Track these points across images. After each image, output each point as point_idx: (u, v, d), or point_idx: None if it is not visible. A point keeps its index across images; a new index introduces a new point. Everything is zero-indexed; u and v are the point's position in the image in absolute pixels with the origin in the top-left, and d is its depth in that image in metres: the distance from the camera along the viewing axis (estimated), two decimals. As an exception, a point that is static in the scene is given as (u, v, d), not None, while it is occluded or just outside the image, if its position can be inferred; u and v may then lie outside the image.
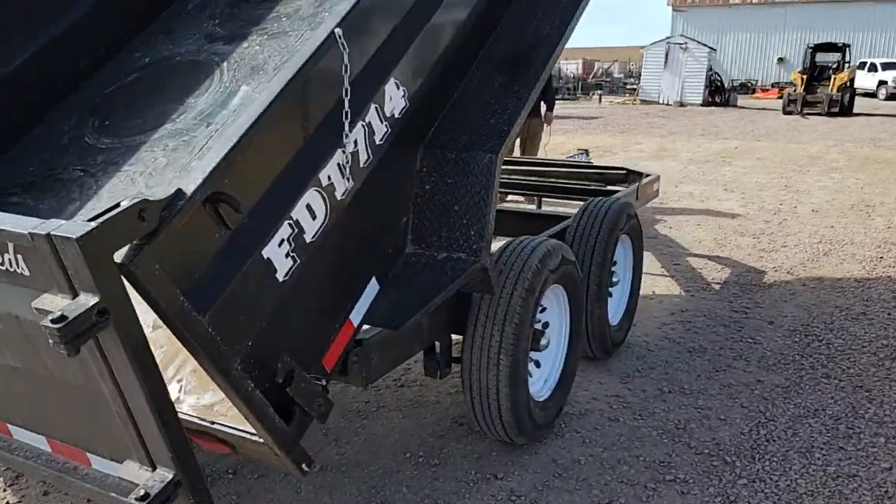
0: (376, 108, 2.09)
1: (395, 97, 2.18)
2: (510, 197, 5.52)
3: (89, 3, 2.61)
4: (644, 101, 24.50)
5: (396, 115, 2.19)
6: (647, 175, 5.03)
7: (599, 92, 26.52)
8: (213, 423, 1.87)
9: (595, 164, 5.57)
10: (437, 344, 2.67)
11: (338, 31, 1.85)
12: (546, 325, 2.98)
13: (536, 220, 4.20)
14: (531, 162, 5.84)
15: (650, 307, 4.46)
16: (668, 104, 23.56)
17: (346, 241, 2.04)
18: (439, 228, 2.38)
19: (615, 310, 3.80)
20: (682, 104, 23.12)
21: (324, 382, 1.90)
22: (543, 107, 7.19)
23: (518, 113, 2.54)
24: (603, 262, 3.40)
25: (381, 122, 2.12)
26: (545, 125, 7.21)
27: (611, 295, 3.77)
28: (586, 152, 6.62)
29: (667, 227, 6.53)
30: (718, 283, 4.92)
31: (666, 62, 23.93)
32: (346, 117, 1.91)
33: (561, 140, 13.85)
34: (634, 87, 26.99)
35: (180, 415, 1.65)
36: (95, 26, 2.61)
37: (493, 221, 2.37)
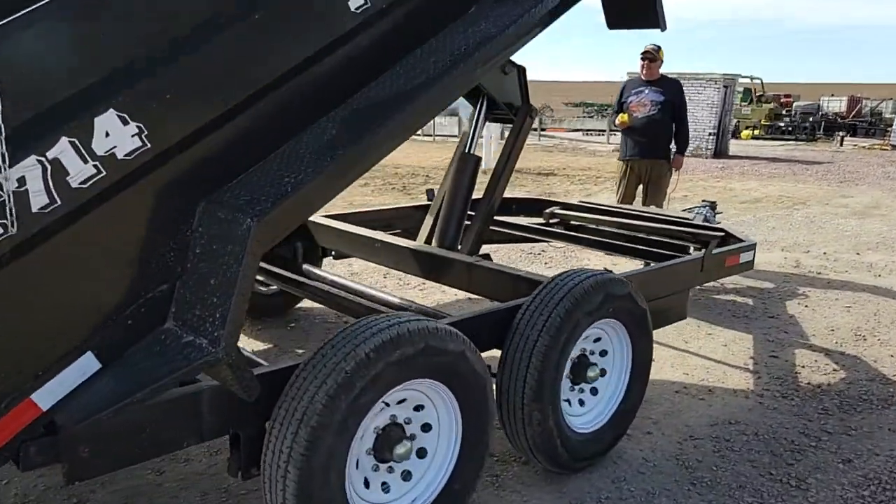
0: (72, 142, 1.69)
1: (115, 133, 1.75)
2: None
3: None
4: (898, 147, 21.10)
5: (120, 157, 1.76)
6: (738, 241, 4.04)
7: (841, 134, 23.26)
8: None
9: (693, 222, 4.61)
10: (241, 435, 2.18)
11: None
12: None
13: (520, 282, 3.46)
14: (615, 211, 5.01)
15: (689, 410, 3.49)
16: (930, 152, 20.04)
17: (9, 304, 1.67)
18: (195, 304, 1.91)
19: (595, 415, 2.98)
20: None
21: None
22: (673, 147, 6.26)
23: (319, 173, 1.99)
24: (548, 352, 2.65)
25: (85, 162, 1.71)
26: (673, 170, 6.26)
27: (595, 392, 2.99)
28: (712, 206, 5.56)
29: (802, 304, 5.26)
30: (812, 392, 3.75)
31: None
32: (-6, 147, 1.54)
33: (752, 186, 12.29)
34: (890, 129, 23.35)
35: None
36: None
37: (245, 305, 1.85)
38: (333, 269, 4.76)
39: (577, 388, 2.92)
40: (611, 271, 3.16)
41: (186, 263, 1.95)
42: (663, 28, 3.26)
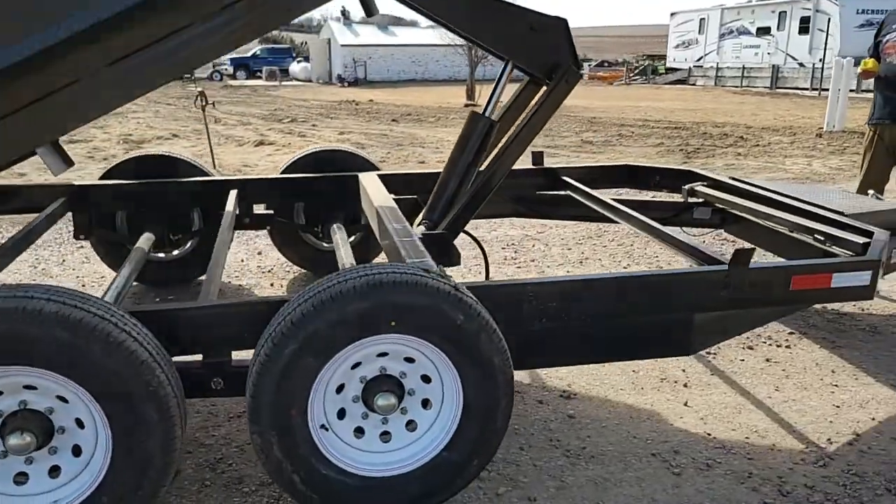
0: None
1: None
2: None
3: None
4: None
5: None
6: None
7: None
8: None
9: (844, 212, 3.61)
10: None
11: None
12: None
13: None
14: (769, 197, 3.92)
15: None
16: None
17: None
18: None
19: (403, 456, 2.31)
20: None
21: None
22: None
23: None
24: (267, 364, 2.09)
25: None
26: None
27: (412, 427, 2.31)
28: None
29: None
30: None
31: None
32: None
33: None
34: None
35: None
36: None
37: None
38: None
39: (376, 416, 2.28)
40: (443, 272, 2.36)
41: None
42: None
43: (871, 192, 4.40)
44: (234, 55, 40.07)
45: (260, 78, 38.60)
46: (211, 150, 9.01)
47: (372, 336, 2.15)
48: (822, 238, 3.36)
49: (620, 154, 11.01)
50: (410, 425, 2.33)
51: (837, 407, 3.16)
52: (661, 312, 2.71)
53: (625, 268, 5.00)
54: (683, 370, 3.47)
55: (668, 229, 3.36)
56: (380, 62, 37.62)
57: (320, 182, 4.41)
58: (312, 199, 4.44)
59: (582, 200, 4.32)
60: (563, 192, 4.62)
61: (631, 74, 38.46)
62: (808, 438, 2.91)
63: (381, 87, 33.32)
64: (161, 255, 4.40)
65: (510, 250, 5.37)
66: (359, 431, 2.31)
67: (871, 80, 5.04)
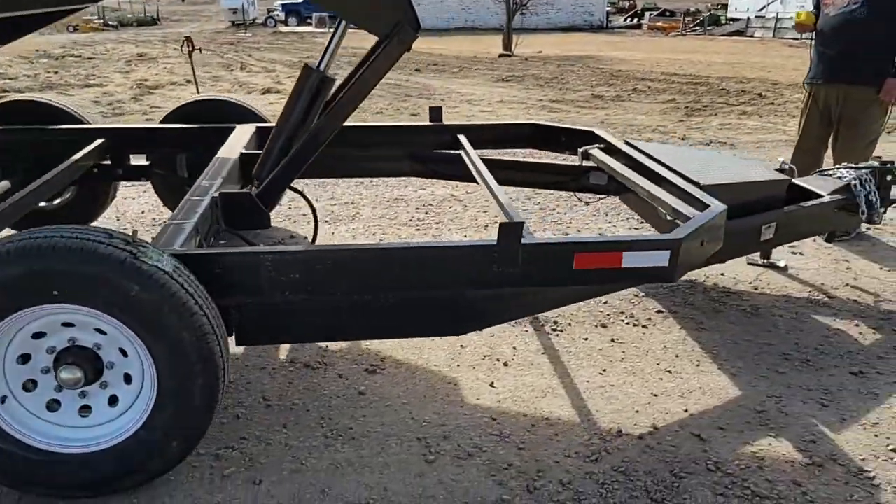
0: None
1: None
2: None
3: None
4: None
5: None
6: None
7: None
8: None
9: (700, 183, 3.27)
10: None
11: None
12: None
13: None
14: (644, 165, 3.54)
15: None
16: None
17: None
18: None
19: (101, 433, 2.23)
20: None
21: None
22: None
23: None
24: None
25: None
26: (884, 101, 4.26)
27: (114, 402, 2.24)
28: (883, 170, 3.66)
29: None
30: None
31: None
32: None
33: None
34: None
35: None
36: None
37: None
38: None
39: (73, 390, 2.21)
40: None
41: None
42: None
43: (781, 160, 4.01)
44: (286, 0, 40.00)
45: (311, 24, 38.45)
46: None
47: (36, 305, 2.05)
48: (665, 211, 3.08)
49: (624, 110, 10.50)
50: (114, 401, 2.24)
51: (655, 395, 2.91)
52: (426, 288, 2.51)
53: (532, 232, 4.73)
54: (514, 347, 3.27)
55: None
56: (429, 8, 36.77)
57: (205, 132, 4.27)
58: (195, 150, 4.32)
59: (466, 161, 4.08)
60: (457, 152, 4.39)
61: (690, 25, 36.64)
62: (600, 428, 2.69)
63: (428, 34, 32.65)
64: (43, 204, 4.40)
65: (422, 211, 5.17)
66: (55, 404, 2.23)
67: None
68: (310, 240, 4.56)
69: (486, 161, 4.31)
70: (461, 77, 15.35)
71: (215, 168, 3.41)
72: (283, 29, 36.56)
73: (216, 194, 3.00)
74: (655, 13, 42.57)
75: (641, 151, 3.78)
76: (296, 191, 3.74)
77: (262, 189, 3.38)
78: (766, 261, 4.18)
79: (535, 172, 4.28)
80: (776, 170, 3.86)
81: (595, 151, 4.02)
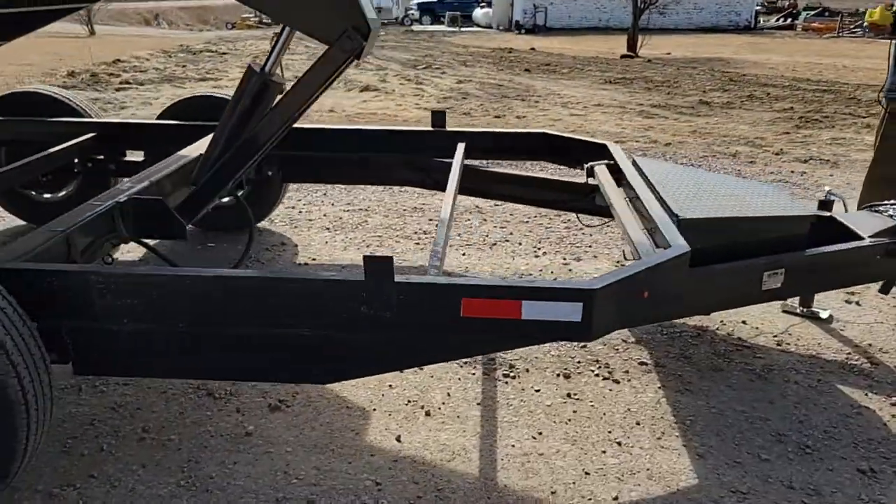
0: None
1: None
2: None
3: None
4: None
5: None
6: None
7: None
8: None
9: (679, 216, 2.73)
10: None
11: None
12: None
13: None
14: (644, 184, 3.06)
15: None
16: None
17: None
18: None
19: None
20: None
21: None
22: None
23: None
24: None
25: None
26: None
27: None
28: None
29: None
30: None
31: None
32: None
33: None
34: None
35: None
36: None
37: None
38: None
39: None
40: None
41: None
42: None
43: (827, 189, 3.27)
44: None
45: (444, 23, 38.66)
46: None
47: None
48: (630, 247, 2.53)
49: (727, 119, 9.52)
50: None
51: (587, 474, 2.37)
52: (285, 327, 2.13)
53: (536, 256, 4.22)
54: (448, 394, 2.81)
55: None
56: (561, 8, 35.92)
57: (201, 130, 4.12)
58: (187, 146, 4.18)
59: (453, 171, 3.65)
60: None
61: (851, 26, 33.49)
62: (495, 513, 2.20)
63: (558, 34, 31.86)
64: (47, 195, 4.43)
65: (434, 223, 4.76)
66: None
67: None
68: (299, 249, 4.30)
69: (480, 173, 3.86)
70: (568, 79, 14.66)
71: (157, 168, 3.20)
72: (416, 28, 36.94)
73: (123, 199, 2.76)
74: (812, 13, 39.36)
75: (640, 172, 3.20)
76: (237, 199, 3.48)
77: (188, 195, 3.14)
78: (804, 309, 3.44)
79: (534, 188, 3.78)
80: (821, 201, 3.15)
81: (599, 169, 3.47)
